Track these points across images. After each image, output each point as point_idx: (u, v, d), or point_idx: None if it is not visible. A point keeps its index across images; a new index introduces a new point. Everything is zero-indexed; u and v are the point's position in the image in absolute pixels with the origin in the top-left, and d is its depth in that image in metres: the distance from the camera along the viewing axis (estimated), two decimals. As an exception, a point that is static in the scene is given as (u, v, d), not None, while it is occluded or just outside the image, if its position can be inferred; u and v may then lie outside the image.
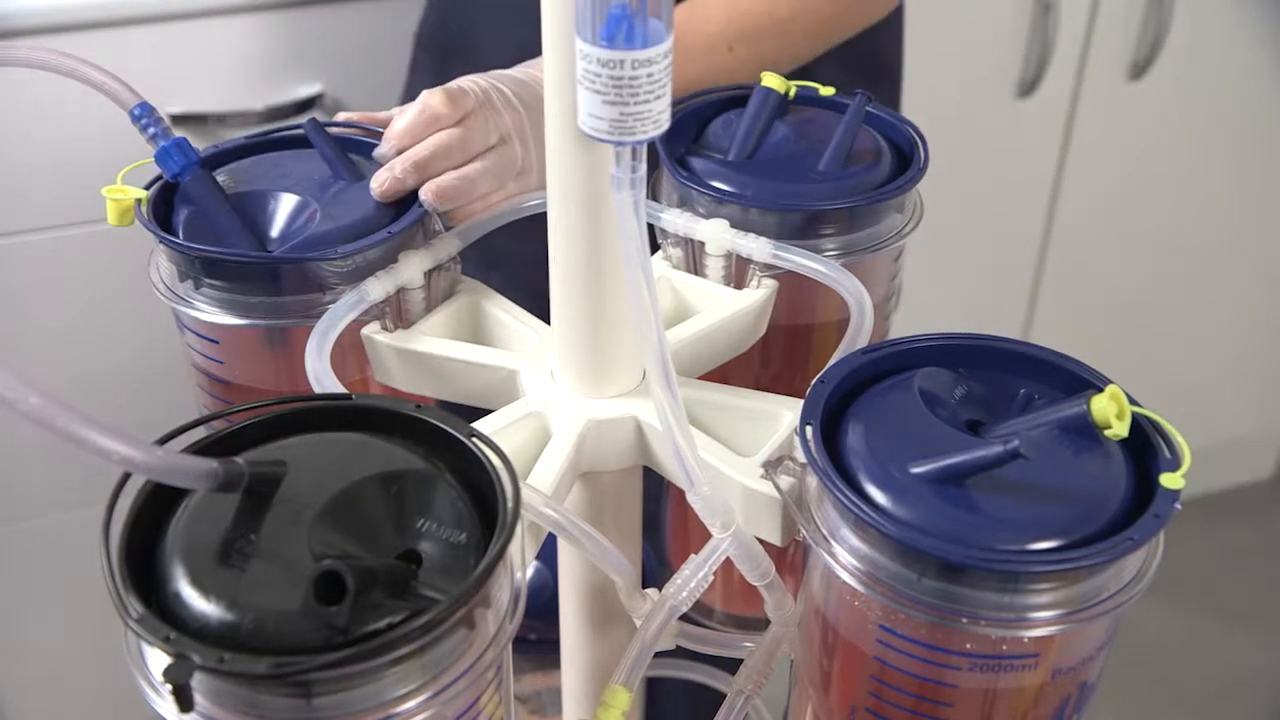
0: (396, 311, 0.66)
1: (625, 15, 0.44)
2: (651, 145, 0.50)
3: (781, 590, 0.57)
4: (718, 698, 0.60)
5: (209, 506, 0.45)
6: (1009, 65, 1.59)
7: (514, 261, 0.83)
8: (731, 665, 0.62)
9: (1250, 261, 1.91)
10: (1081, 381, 0.53)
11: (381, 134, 0.71)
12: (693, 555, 0.54)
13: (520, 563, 0.48)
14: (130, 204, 0.66)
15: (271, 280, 0.65)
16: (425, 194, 0.68)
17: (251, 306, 0.65)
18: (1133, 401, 0.51)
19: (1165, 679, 1.81)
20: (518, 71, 0.75)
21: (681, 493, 0.56)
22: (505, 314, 0.68)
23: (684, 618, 0.57)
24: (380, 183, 0.67)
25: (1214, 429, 2.03)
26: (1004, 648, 0.49)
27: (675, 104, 0.64)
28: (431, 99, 0.69)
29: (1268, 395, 2.08)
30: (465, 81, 0.71)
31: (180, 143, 0.68)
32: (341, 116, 0.74)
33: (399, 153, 0.69)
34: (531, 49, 0.62)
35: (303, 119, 0.73)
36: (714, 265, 0.68)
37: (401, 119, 0.70)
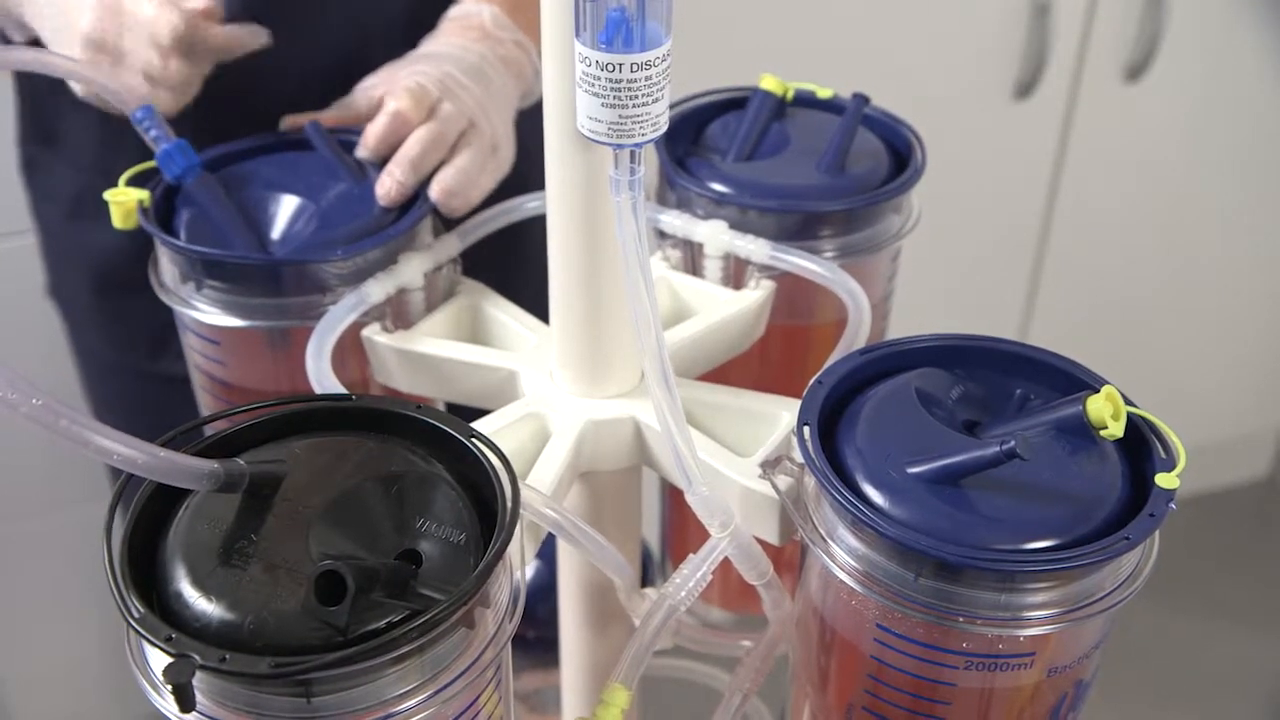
0: (396, 312, 0.66)
1: (624, 18, 0.44)
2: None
3: (779, 589, 0.57)
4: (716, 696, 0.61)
5: (210, 507, 0.46)
6: (1005, 67, 1.59)
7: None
8: (730, 664, 0.63)
9: (1245, 263, 1.91)
10: (1077, 382, 0.54)
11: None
12: (691, 555, 0.55)
13: (519, 562, 0.49)
14: (133, 206, 0.67)
15: (272, 282, 0.65)
16: (433, 194, 0.69)
17: (252, 308, 0.65)
18: (1128, 402, 0.51)
19: (1160, 678, 1.81)
20: (441, 48, 0.77)
21: (680, 493, 0.56)
22: (504, 314, 0.69)
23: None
24: (385, 189, 0.68)
25: (1209, 429, 2.03)
26: (1000, 647, 0.49)
27: (672, 105, 0.64)
28: (399, 103, 0.70)
29: (1263, 395, 2.09)
30: (419, 77, 0.72)
31: (182, 145, 0.68)
32: (305, 118, 0.74)
33: (379, 157, 0.71)
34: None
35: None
36: (712, 266, 0.69)
37: (374, 126, 0.71)
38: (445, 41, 0.77)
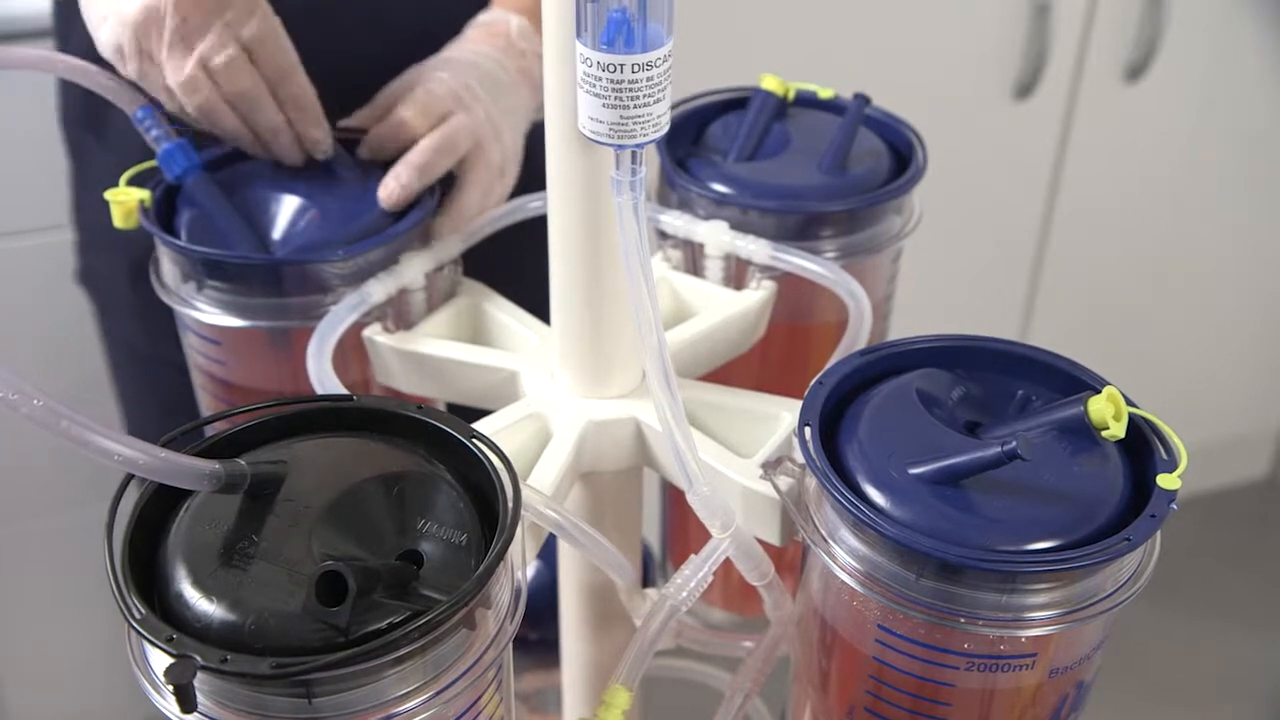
0: (397, 312, 0.66)
1: (625, 19, 0.44)
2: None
3: (780, 590, 0.57)
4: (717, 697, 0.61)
5: (211, 507, 0.46)
6: (1006, 67, 1.59)
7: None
8: (732, 665, 0.63)
9: (1245, 263, 1.91)
10: (1079, 383, 0.54)
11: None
12: (693, 555, 0.54)
13: (521, 563, 0.49)
14: (134, 206, 0.67)
15: (273, 282, 0.65)
16: (438, 228, 0.70)
17: (254, 308, 0.65)
18: (1130, 402, 0.51)
19: (1161, 678, 1.81)
20: (463, 54, 0.76)
21: (681, 493, 0.56)
22: (506, 315, 0.69)
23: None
24: (389, 192, 0.68)
25: (1209, 429, 2.03)
26: (1002, 647, 0.49)
27: (673, 106, 0.64)
28: (405, 112, 0.70)
29: (1263, 395, 2.09)
30: (434, 85, 0.72)
31: (183, 145, 0.68)
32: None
33: (378, 159, 0.71)
34: None
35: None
36: (713, 266, 0.69)
37: (379, 129, 0.71)
38: (469, 49, 0.77)
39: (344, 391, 0.58)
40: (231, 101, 0.68)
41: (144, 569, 0.45)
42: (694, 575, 0.54)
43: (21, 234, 1.30)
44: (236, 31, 0.66)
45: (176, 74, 0.66)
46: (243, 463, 0.45)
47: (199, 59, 0.66)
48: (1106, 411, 0.50)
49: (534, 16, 0.79)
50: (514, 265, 0.75)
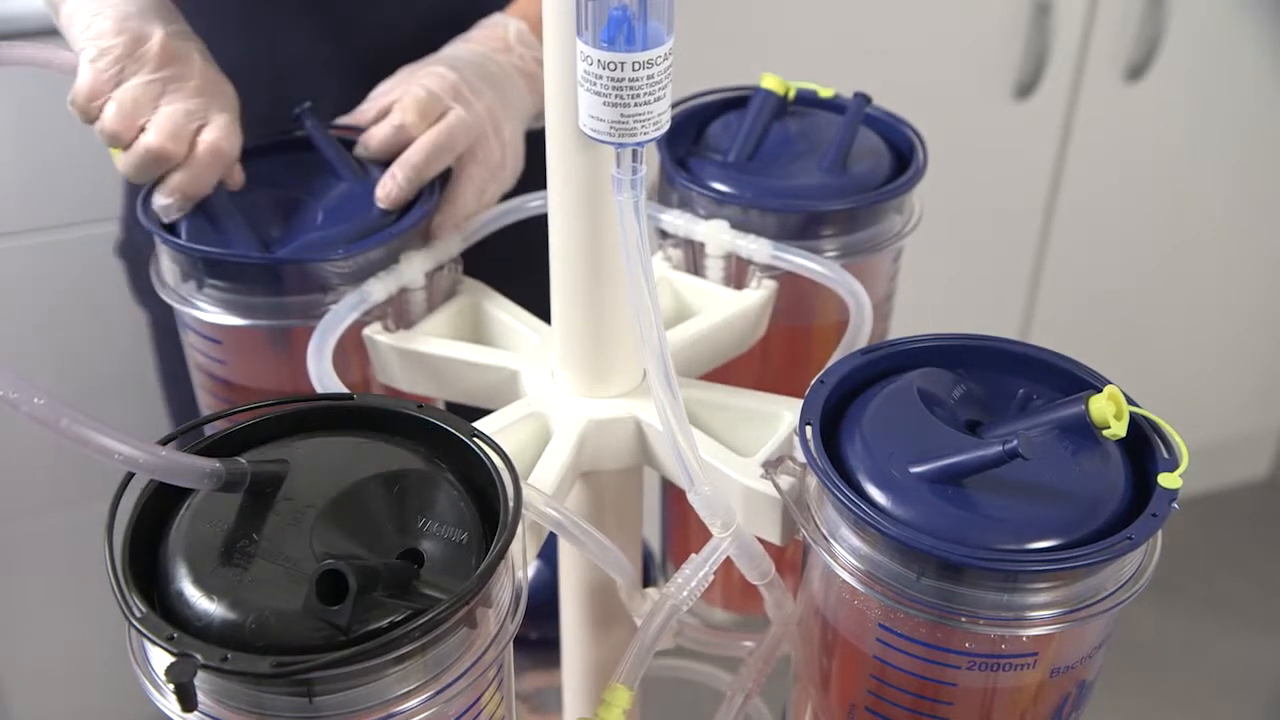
0: (398, 312, 0.66)
1: (625, 17, 0.44)
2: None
3: (781, 590, 0.57)
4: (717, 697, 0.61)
5: (211, 506, 0.46)
6: (1006, 67, 1.59)
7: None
8: (732, 665, 0.63)
9: (1246, 262, 1.91)
10: (1080, 382, 0.54)
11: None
12: (693, 555, 0.54)
13: (521, 562, 0.49)
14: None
15: (274, 281, 0.65)
16: (435, 229, 0.69)
17: (254, 307, 0.65)
18: (1131, 401, 0.51)
19: (1162, 678, 1.81)
20: (463, 52, 0.77)
21: (681, 492, 0.56)
22: (506, 314, 0.69)
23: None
24: (386, 191, 0.68)
25: (1209, 429, 2.03)
26: (1003, 647, 0.49)
27: (674, 104, 0.64)
28: (404, 116, 0.70)
29: (1263, 395, 2.09)
30: (432, 82, 0.72)
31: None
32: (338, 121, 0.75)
33: (377, 160, 0.71)
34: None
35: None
36: (714, 266, 0.68)
37: (377, 130, 0.71)
38: (465, 47, 0.77)
39: (344, 390, 0.58)
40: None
41: (144, 568, 0.44)
42: (694, 575, 0.54)
43: (17, 234, 1.30)
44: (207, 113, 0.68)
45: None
46: (243, 461, 0.45)
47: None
48: (1108, 410, 0.49)
49: (534, 23, 0.80)
50: (514, 265, 0.75)
